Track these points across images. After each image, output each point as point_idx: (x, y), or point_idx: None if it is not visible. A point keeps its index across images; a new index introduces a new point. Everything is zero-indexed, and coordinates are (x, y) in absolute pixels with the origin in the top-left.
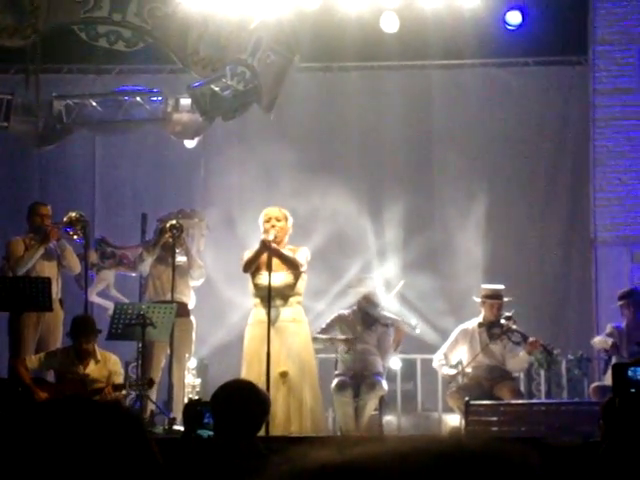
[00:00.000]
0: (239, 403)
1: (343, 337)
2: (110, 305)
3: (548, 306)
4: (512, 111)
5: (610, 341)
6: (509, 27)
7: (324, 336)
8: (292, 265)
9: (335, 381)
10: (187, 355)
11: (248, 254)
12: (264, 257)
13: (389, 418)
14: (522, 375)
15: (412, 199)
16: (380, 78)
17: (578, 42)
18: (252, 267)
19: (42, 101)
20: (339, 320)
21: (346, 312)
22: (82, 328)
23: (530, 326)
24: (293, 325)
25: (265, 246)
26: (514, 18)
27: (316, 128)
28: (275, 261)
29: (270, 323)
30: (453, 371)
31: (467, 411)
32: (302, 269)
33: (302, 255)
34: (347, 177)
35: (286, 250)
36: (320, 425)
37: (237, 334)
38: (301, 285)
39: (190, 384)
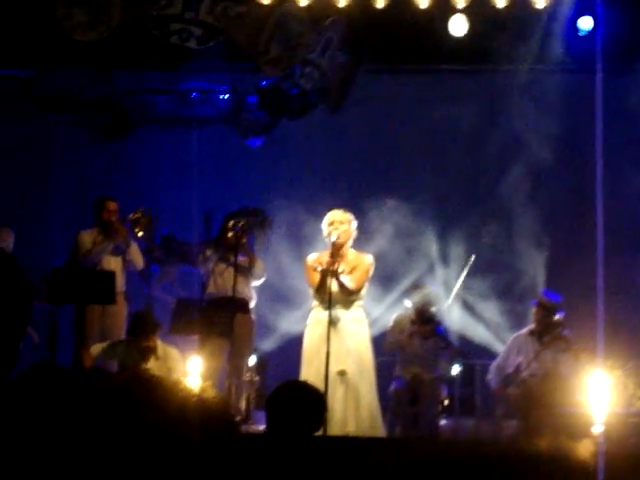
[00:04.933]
0: (293, 405)
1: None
2: (172, 300)
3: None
4: (582, 118)
5: None
6: (580, 33)
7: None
8: (348, 293)
9: (394, 384)
10: (247, 352)
11: (313, 258)
12: (328, 259)
13: (446, 422)
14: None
15: (476, 209)
16: (447, 81)
17: None
18: (323, 290)
19: (111, 96)
20: (401, 320)
21: (402, 313)
22: (141, 326)
23: (585, 332)
24: (353, 324)
25: (334, 247)
26: (586, 23)
27: (381, 129)
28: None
29: (331, 323)
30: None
31: (523, 418)
32: (357, 294)
33: (363, 266)
34: (409, 181)
35: (351, 255)
36: (377, 425)
37: (298, 332)
38: (362, 290)
39: (249, 382)
